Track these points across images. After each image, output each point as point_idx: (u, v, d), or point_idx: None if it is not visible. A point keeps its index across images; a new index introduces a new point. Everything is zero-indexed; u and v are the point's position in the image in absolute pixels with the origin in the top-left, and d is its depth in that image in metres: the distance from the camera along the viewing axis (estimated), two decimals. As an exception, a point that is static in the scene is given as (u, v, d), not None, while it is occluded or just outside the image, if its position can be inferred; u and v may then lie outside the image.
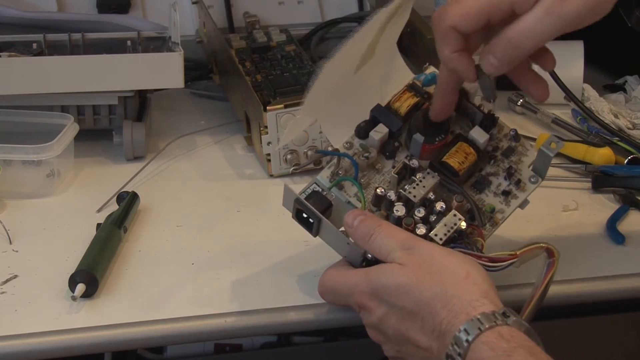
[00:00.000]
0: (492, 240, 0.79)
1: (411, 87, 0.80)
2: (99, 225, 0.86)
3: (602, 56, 1.20)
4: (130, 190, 0.93)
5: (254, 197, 0.95)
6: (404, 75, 0.81)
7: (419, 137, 0.76)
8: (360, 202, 0.76)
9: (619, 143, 1.04)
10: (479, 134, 0.78)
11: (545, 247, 0.74)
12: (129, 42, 1.07)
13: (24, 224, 0.90)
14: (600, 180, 0.98)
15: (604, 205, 0.95)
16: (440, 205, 0.74)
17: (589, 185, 0.98)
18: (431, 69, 0.81)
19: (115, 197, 0.93)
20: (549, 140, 0.76)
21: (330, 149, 0.82)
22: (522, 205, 0.78)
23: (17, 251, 0.86)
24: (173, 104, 1.17)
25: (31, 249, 0.86)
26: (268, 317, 0.77)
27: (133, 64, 1.00)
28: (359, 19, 1.27)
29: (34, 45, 1.06)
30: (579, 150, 1.03)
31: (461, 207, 0.75)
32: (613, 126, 1.07)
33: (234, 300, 0.78)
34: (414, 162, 0.76)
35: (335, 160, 0.77)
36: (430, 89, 0.80)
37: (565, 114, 1.13)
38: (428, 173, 0.76)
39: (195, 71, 1.20)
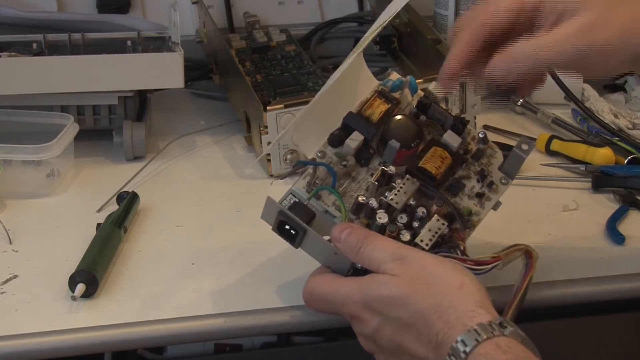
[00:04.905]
0: (486, 242, 0.79)
1: (381, 94, 0.79)
2: (99, 225, 0.86)
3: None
4: (130, 190, 0.93)
5: (254, 197, 0.94)
6: (369, 82, 0.81)
7: (394, 144, 0.76)
8: (340, 211, 0.75)
9: (619, 143, 1.04)
10: (452, 138, 0.77)
11: (524, 249, 0.74)
12: (129, 42, 1.07)
13: (24, 224, 0.90)
14: (600, 180, 0.98)
15: (604, 205, 0.95)
16: (421, 211, 0.74)
17: (589, 185, 0.98)
18: (395, 75, 0.81)
19: (115, 197, 0.93)
20: (520, 141, 0.76)
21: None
22: (495, 206, 0.78)
23: (17, 251, 0.86)
24: (173, 104, 1.17)
25: (31, 249, 0.86)
26: (268, 317, 0.77)
27: (133, 64, 1.00)
28: (359, 19, 1.28)
29: (34, 45, 1.06)
30: (579, 150, 1.03)
31: (440, 211, 0.75)
32: (613, 126, 1.07)
33: (234, 300, 0.78)
34: (392, 169, 0.76)
35: (310, 170, 0.77)
36: (397, 95, 0.80)
37: (565, 114, 1.13)
38: (408, 179, 0.75)
39: (195, 71, 1.20)
